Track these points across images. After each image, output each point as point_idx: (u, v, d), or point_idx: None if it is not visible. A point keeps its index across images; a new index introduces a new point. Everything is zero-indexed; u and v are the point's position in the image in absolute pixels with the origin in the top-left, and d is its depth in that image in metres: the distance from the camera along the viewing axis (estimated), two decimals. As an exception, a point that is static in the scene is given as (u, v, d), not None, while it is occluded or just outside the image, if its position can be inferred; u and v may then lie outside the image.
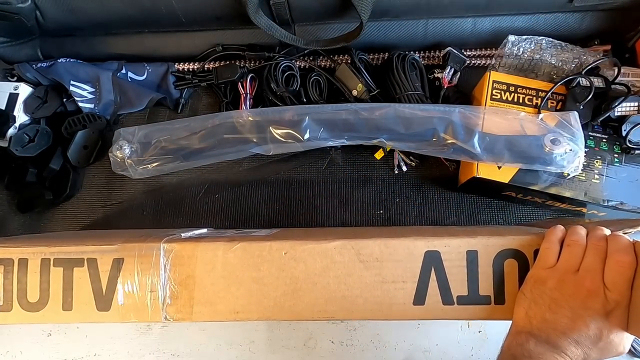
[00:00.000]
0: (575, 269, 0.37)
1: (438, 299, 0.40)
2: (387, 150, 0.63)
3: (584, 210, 0.55)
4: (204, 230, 0.51)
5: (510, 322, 0.39)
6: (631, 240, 0.37)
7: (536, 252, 0.40)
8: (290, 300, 0.40)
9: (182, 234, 0.45)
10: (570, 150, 0.50)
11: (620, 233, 0.38)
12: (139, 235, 0.44)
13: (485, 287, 0.40)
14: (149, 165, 0.61)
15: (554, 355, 0.34)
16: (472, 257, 0.40)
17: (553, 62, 0.60)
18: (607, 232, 0.38)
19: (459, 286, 0.40)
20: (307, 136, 0.57)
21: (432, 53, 0.66)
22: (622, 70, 0.55)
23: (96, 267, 0.41)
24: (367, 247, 0.40)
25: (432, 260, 0.40)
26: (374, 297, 0.40)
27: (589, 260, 0.36)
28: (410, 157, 0.61)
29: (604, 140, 0.54)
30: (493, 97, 0.55)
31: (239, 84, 0.66)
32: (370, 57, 0.66)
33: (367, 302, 0.40)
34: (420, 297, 0.40)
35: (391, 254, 0.40)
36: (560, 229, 0.40)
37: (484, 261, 0.40)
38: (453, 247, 0.40)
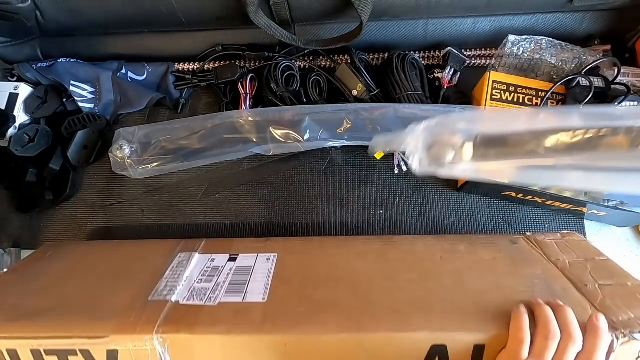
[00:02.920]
0: None
1: None
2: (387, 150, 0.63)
3: (584, 210, 0.55)
4: (196, 258, 0.48)
5: None
6: (609, 337, 0.34)
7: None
8: None
9: (169, 287, 0.43)
10: (570, 150, 0.50)
11: (596, 320, 0.34)
12: (128, 313, 0.40)
13: None
14: (149, 165, 0.61)
15: None
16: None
17: (553, 62, 0.60)
18: (573, 316, 0.35)
19: None
20: (307, 136, 0.57)
21: (432, 53, 0.66)
22: (622, 70, 0.55)
23: (91, 357, 0.39)
24: (371, 341, 0.38)
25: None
26: None
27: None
28: (410, 157, 0.61)
29: (604, 140, 0.54)
30: (493, 97, 0.55)
31: (239, 84, 0.66)
32: (370, 57, 0.66)
33: None
34: None
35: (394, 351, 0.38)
36: (525, 318, 0.36)
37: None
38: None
